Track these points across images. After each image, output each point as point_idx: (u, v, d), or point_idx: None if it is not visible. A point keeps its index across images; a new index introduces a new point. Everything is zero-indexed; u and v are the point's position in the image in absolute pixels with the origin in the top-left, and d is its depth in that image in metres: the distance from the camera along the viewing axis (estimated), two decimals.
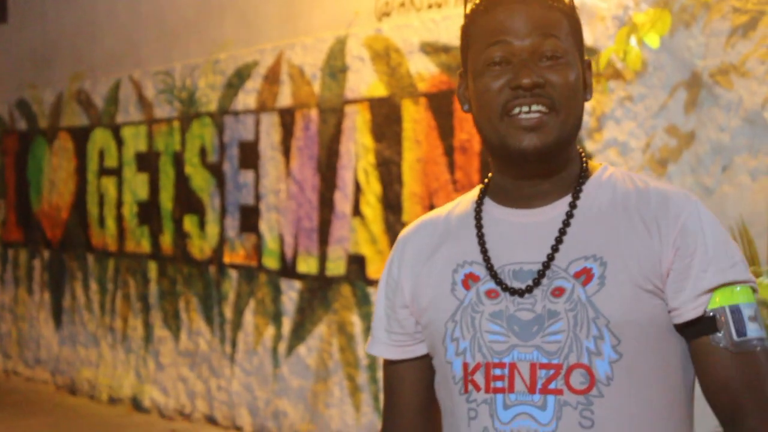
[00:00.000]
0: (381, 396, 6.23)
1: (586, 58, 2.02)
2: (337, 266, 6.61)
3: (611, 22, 4.97)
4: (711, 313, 1.86)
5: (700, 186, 4.61)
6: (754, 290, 1.91)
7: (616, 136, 4.97)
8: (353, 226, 6.49)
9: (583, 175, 1.99)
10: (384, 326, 2.13)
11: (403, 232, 2.15)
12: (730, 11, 4.52)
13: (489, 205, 2.04)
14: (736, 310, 1.86)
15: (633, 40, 4.28)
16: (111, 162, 8.78)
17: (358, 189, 6.46)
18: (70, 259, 9.28)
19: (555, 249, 1.92)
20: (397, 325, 2.10)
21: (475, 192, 2.10)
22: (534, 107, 1.89)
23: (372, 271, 6.34)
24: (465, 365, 1.94)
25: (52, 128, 9.53)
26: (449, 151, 5.88)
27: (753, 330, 1.86)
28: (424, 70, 6.03)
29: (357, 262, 6.46)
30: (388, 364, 2.14)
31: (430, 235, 2.08)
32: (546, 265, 1.91)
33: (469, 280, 1.98)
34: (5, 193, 10.23)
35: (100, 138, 8.90)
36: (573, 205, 1.95)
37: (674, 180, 4.72)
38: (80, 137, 9.16)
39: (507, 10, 1.93)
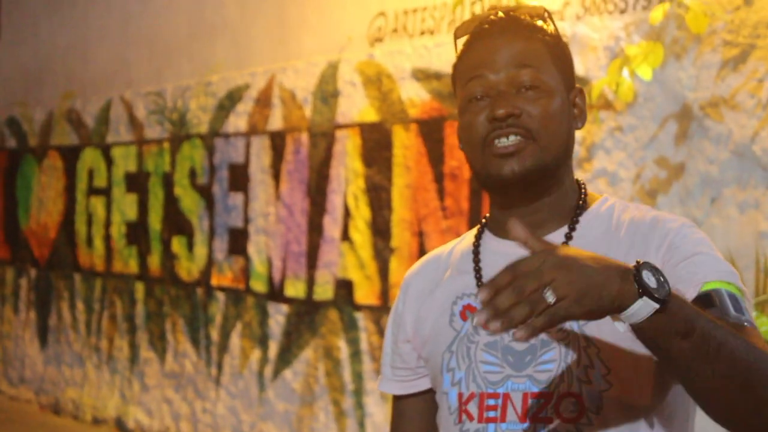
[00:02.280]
0: (366, 422, 6.23)
1: (577, 86, 2.03)
2: (324, 291, 6.61)
3: (603, 53, 4.99)
4: (706, 293, 1.81)
5: (689, 217, 4.61)
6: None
7: (605, 166, 4.99)
8: (342, 250, 6.48)
9: (581, 206, 2.01)
10: (389, 362, 2.18)
11: (409, 271, 2.21)
12: (721, 44, 4.54)
13: (488, 238, 2.07)
14: (731, 295, 1.80)
15: (625, 72, 4.29)
16: (100, 182, 8.77)
17: (347, 214, 6.46)
18: (57, 279, 9.26)
19: None
20: (399, 360, 2.14)
21: (477, 227, 2.13)
22: (511, 138, 1.91)
23: (360, 296, 6.34)
24: (460, 395, 1.97)
25: (42, 147, 9.52)
26: (439, 178, 5.89)
27: (749, 313, 1.81)
28: (415, 96, 6.04)
29: (345, 286, 6.46)
30: (395, 399, 2.19)
31: (434, 271, 2.13)
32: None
33: (467, 311, 2.00)
34: None
35: (90, 157, 8.90)
36: (569, 236, 1.97)
37: (663, 211, 4.72)
38: (70, 156, 9.15)
39: (486, 45, 1.98)
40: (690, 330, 1.61)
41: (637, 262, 1.61)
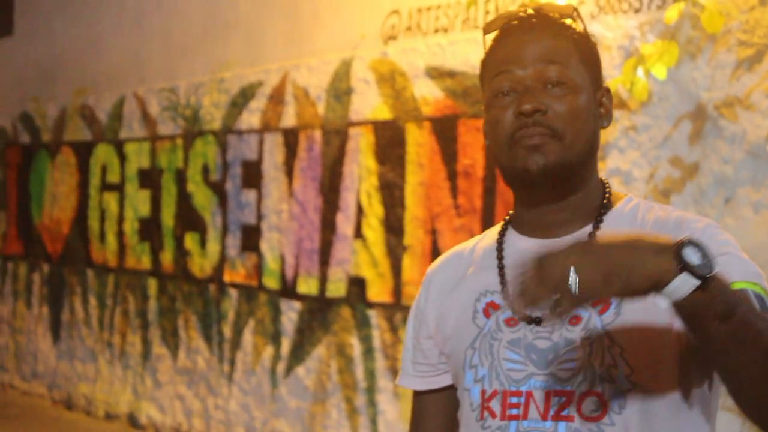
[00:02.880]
0: (378, 419, 6.23)
1: (604, 85, 2.04)
2: (337, 288, 6.61)
3: (617, 52, 4.98)
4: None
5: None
6: None
7: (619, 166, 4.98)
8: (354, 248, 6.49)
9: (605, 205, 2.01)
10: (410, 357, 2.18)
11: (431, 266, 2.21)
12: (736, 44, 4.53)
13: (512, 235, 2.07)
14: (758, 295, 1.79)
15: (640, 72, 4.29)
16: (113, 178, 8.78)
17: (360, 211, 6.46)
18: (70, 274, 9.28)
19: None
20: (421, 356, 2.15)
21: (500, 224, 2.13)
22: (537, 135, 1.92)
23: (372, 293, 6.34)
24: (482, 392, 1.97)
25: (55, 142, 9.54)
26: (452, 176, 5.88)
27: None
28: (428, 94, 6.04)
29: (357, 284, 6.46)
30: (415, 395, 2.19)
31: (456, 267, 2.13)
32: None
33: (490, 308, 2.01)
34: (6, 206, 10.24)
35: (103, 153, 8.91)
36: (592, 235, 1.96)
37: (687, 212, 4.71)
38: (83, 152, 9.16)
39: (514, 41, 1.97)
40: (730, 313, 1.59)
41: (683, 239, 1.59)
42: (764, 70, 4.44)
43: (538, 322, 1.92)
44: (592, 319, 1.89)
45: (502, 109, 1.95)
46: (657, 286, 1.57)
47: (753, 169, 4.47)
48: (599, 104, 2.01)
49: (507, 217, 2.11)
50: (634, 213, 2.00)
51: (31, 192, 9.89)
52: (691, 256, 1.57)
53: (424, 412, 2.16)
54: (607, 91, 2.04)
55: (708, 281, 1.57)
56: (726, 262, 1.82)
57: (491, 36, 2.06)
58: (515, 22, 2.00)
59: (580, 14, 2.05)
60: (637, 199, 2.04)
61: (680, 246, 1.58)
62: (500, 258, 2.04)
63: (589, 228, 1.98)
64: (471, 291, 2.05)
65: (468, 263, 2.11)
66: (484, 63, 2.05)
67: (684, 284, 1.56)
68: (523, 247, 2.02)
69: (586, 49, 2.00)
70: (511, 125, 1.93)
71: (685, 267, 1.56)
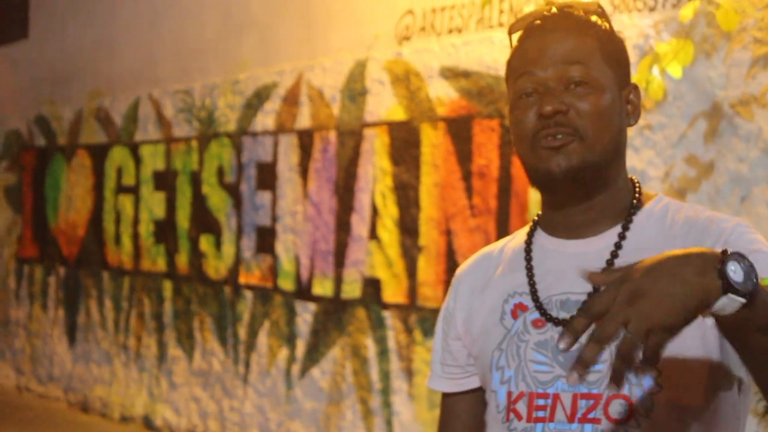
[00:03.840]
0: (393, 420, 6.22)
1: (632, 82, 2.01)
2: (352, 289, 6.60)
3: (632, 51, 4.96)
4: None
5: None
6: None
7: (634, 165, 4.96)
8: (369, 249, 6.48)
9: (635, 205, 1.98)
10: (439, 359, 2.17)
11: (461, 267, 2.19)
12: (751, 42, 4.51)
13: (540, 236, 2.05)
14: None
15: (655, 70, 4.27)
16: (128, 180, 8.80)
17: (375, 212, 6.45)
18: (86, 277, 9.29)
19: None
20: (449, 357, 2.13)
21: (529, 225, 2.12)
22: (558, 136, 1.90)
23: (387, 294, 6.33)
24: (509, 394, 1.95)
25: (71, 145, 9.56)
26: (467, 176, 5.87)
27: None
28: (443, 94, 6.03)
29: (372, 285, 6.45)
30: (444, 397, 2.17)
31: (485, 268, 2.11)
32: (591, 296, 1.89)
33: (518, 309, 1.99)
34: (22, 209, 10.26)
35: (118, 156, 8.92)
36: (622, 236, 1.94)
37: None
38: (98, 155, 9.18)
39: (536, 42, 1.96)
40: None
41: (723, 252, 1.53)
42: None
43: (565, 323, 1.90)
44: None
45: (525, 110, 1.94)
46: (706, 306, 1.51)
47: None
48: (626, 102, 1.98)
49: (535, 218, 2.10)
50: (663, 213, 1.97)
51: (47, 195, 9.91)
52: (734, 273, 1.51)
53: (452, 414, 2.15)
54: (635, 88, 2.01)
55: (753, 296, 1.52)
56: (756, 259, 1.79)
57: (516, 36, 2.05)
58: (538, 22, 1.99)
59: (605, 11, 2.02)
60: (668, 198, 2.01)
61: (723, 263, 1.51)
62: (528, 259, 2.02)
63: (618, 228, 1.96)
64: (499, 292, 2.04)
65: (497, 264, 2.10)
66: (509, 64, 2.04)
67: (731, 303, 1.51)
68: (550, 247, 2.01)
69: (610, 47, 1.97)
70: (533, 126, 1.92)
71: (729, 285, 1.50)
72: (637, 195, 2.00)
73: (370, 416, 6.44)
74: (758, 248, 1.82)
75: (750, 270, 1.52)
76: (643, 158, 4.93)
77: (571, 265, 1.95)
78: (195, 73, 8.09)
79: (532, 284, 1.98)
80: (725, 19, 4.12)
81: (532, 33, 1.98)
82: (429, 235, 6.08)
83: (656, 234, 1.93)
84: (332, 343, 6.74)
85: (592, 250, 1.95)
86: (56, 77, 9.82)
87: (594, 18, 1.99)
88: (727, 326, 1.58)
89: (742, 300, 1.50)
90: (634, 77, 4.38)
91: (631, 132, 4.93)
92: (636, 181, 2.03)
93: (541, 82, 1.93)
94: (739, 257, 1.53)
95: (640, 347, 1.48)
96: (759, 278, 1.54)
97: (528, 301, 1.98)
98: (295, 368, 7.02)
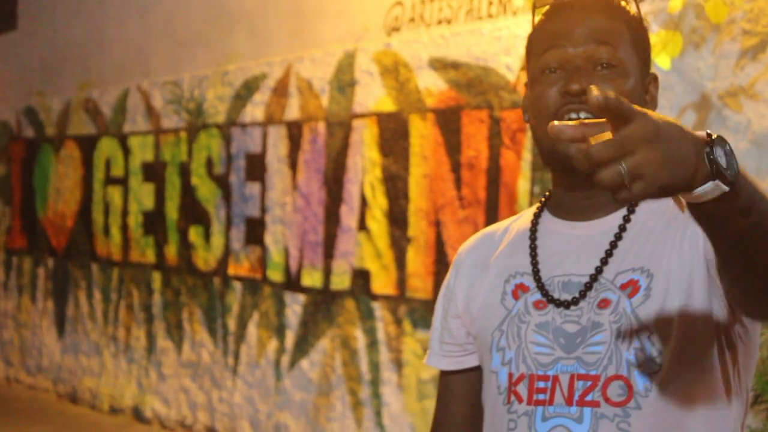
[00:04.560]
0: (383, 411, 6.22)
1: (652, 72, 2.00)
2: (341, 280, 6.60)
3: None
4: None
5: None
6: None
7: None
8: (359, 240, 6.48)
9: None
10: (438, 337, 2.15)
11: (463, 245, 2.18)
12: (740, 33, 4.52)
13: (546, 218, 2.05)
14: None
15: None
16: (117, 171, 8.78)
17: (364, 203, 6.45)
18: (75, 268, 9.28)
19: (604, 261, 1.90)
20: (448, 335, 2.12)
21: (536, 205, 2.11)
22: (582, 114, 1.87)
23: (376, 285, 6.34)
24: (510, 375, 1.95)
25: (59, 136, 9.54)
26: (456, 168, 5.88)
27: None
28: (432, 85, 6.03)
29: (362, 276, 6.45)
30: (442, 375, 2.17)
31: (488, 247, 2.11)
32: (594, 278, 1.89)
33: (519, 290, 1.98)
34: (11, 201, 10.24)
35: (107, 147, 8.91)
36: (627, 219, 1.93)
37: None
38: (87, 146, 9.16)
39: (566, 17, 1.94)
40: (751, 207, 1.50)
41: (710, 136, 1.46)
42: None
43: (566, 305, 1.90)
44: (621, 302, 1.86)
45: (548, 85, 1.92)
46: (689, 188, 1.44)
47: (757, 159, 4.46)
48: (645, 91, 1.97)
49: (543, 199, 2.09)
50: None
51: (36, 186, 9.89)
52: (721, 158, 1.44)
53: (450, 392, 2.14)
54: (655, 78, 1.99)
55: (735, 183, 1.46)
56: None
57: (541, 11, 2.02)
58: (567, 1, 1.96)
59: (639, 8, 2.00)
60: None
61: (713, 146, 1.44)
62: (533, 239, 2.02)
63: (622, 212, 1.95)
64: (501, 272, 2.03)
65: (499, 243, 2.09)
66: (532, 38, 2.01)
67: (714, 189, 1.44)
68: (555, 230, 2.01)
69: (638, 33, 1.95)
70: (555, 103, 1.90)
71: (717, 172, 1.43)
72: None
73: (360, 407, 6.45)
74: None
75: (731, 155, 1.47)
76: None
77: (574, 247, 1.96)
78: (184, 64, 8.08)
79: (534, 264, 1.98)
80: (714, 11, 4.13)
81: (562, 9, 1.95)
82: (418, 226, 6.08)
83: (658, 217, 1.93)
84: (321, 335, 6.74)
85: (596, 232, 1.95)
86: (45, 69, 9.79)
87: (624, 2, 1.97)
88: (704, 213, 1.51)
89: (726, 188, 1.45)
90: None
91: None
92: None
93: (569, 58, 1.90)
94: (722, 141, 1.47)
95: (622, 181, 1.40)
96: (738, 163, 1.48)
97: (530, 281, 1.97)
98: (285, 359, 7.02)
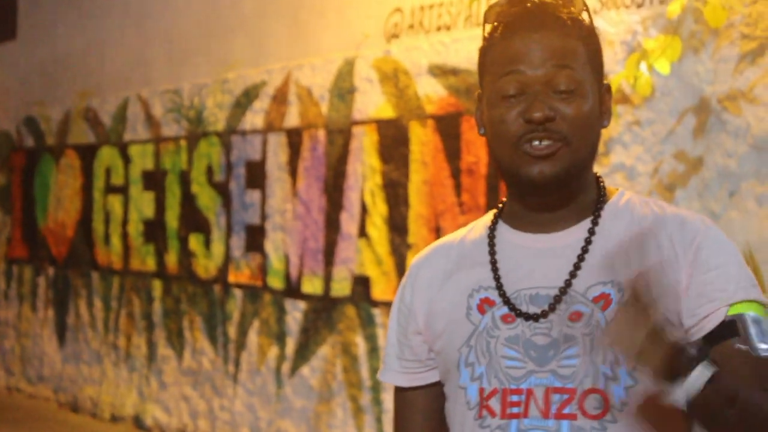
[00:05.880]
0: (384, 418, 6.22)
1: (605, 81, 2.00)
2: (342, 287, 6.61)
3: (620, 47, 4.98)
4: (731, 318, 1.83)
5: (707, 211, 4.61)
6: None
7: (623, 161, 4.98)
8: (359, 247, 6.49)
9: (601, 200, 1.99)
10: (396, 353, 2.13)
11: (417, 258, 2.15)
12: (739, 38, 4.53)
13: (503, 229, 2.03)
14: (757, 320, 1.83)
15: (643, 66, 4.29)
16: (117, 180, 8.79)
17: (364, 210, 6.46)
18: (75, 277, 9.28)
19: (573, 274, 1.91)
20: (409, 352, 2.10)
21: (488, 217, 2.09)
22: (545, 142, 1.88)
23: (377, 292, 6.34)
24: (481, 390, 1.94)
25: (59, 145, 9.55)
26: (456, 174, 5.88)
27: None
28: (432, 92, 6.04)
29: (362, 283, 6.46)
30: (400, 391, 2.15)
31: (444, 261, 2.08)
32: (563, 291, 1.90)
33: (485, 305, 1.97)
34: (11, 210, 10.24)
35: (107, 156, 8.92)
36: (592, 231, 1.95)
37: (681, 205, 4.71)
38: (87, 155, 9.17)
39: (522, 39, 1.92)
40: (734, 393, 1.67)
41: (686, 351, 1.68)
42: (767, 63, 4.44)
43: (535, 318, 1.90)
44: (595, 315, 1.87)
45: (508, 109, 1.91)
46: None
47: (757, 163, 4.46)
48: (601, 102, 1.97)
49: (496, 210, 2.08)
50: (630, 208, 1.98)
51: (36, 196, 9.90)
52: (694, 382, 1.67)
53: (410, 408, 2.13)
54: (608, 88, 2.00)
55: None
56: (727, 274, 1.86)
57: (493, 27, 2.00)
58: (523, 15, 1.95)
59: (588, 7, 2.00)
60: (629, 193, 2.03)
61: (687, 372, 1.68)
62: (492, 253, 2.00)
63: (585, 224, 1.96)
64: (463, 287, 2.01)
65: (457, 257, 2.06)
66: (487, 54, 1.99)
67: (700, 376, 1.65)
68: (515, 242, 2.00)
69: (593, 47, 1.96)
70: (518, 129, 1.90)
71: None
72: (602, 190, 2.00)
73: (361, 414, 6.45)
74: (728, 260, 1.88)
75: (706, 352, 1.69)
76: (632, 154, 4.95)
77: (539, 259, 1.96)
78: (184, 72, 8.09)
79: (497, 278, 1.97)
80: (713, 15, 4.14)
81: (516, 28, 1.93)
82: (418, 232, 6.09)
83: (624, 229, 1.95)
84: (322, 341, 6.74)
85: (560, 245, 1.95)
86: (45, 78, 9.81)
87: (577, 13, 1.97)
88: (698, 406, 1.69)
89: (709, 373, 1.68)
90: (622, 74, 4.40)
91: (619, 128, 4.96)
92: (599, 175, 2.03)
93: (529, 83, 1.90)
94: (706, 365, 1.68)
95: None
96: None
97: (495, 296, 1.96)
98: (285, 366, 7.03)
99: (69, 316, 9.35)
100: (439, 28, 6.05)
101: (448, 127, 5.94)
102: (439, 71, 6.00)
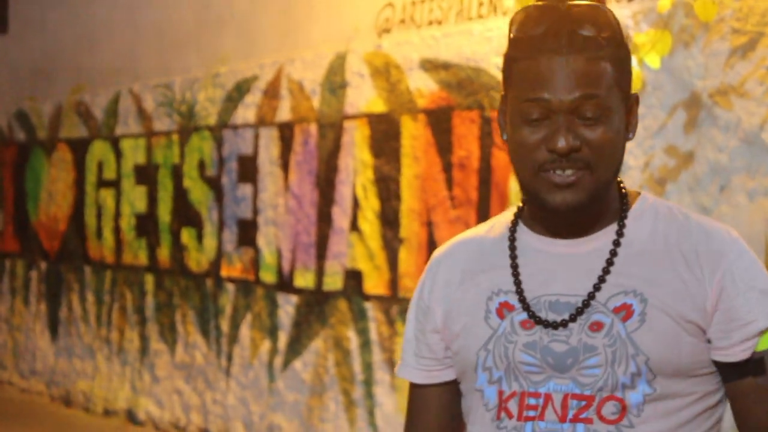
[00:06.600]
0: (376, 411, 6.23)
1: (633, 93, 1.94)
2: (334, 281, 6.61)
3: None
4: (759, 355, 1.87)
5: (698, 206, 4.62)
6: None
7: None
8: (351, 241, 6.49)
9: (624, 205, 1.97)
10: (413, 350, 2.11)
11: (437, 254, 2.12)
12: (730, 32, 4.54)
13: (524, 232, 2.02)
14: None
15: (634, 61, 4.28)
16: (109, 174, 8.78)
17: (356, 204, 6.46)
18: (67, 271, 9.28)
19: (597, 287, 1.90)
20: (426, 350, 2.09)
21: (508, 216, 2.07)
22: (568, 171, 1.85)
23: (369, 286, 6.35)
24: (500, 393, 1.94)
25: (51, 140, 9.54)
26: (447, 168, 5.89)
27: None
28: (423, 86, 6.04)
29: (354, 277, 6.46)
30: (415, 387, 2.13)
31: (464, 259, 2.06)
32: (587, 303, 1.89)
33: (504, 309, 1.96)
34: (3, 204, 10.23)
35: (99, 150, 8.91)
36: (617, 243, 1.93)
37: (672, 199, 4.72)
38: (79, 149, 9.16)
39: (548, 61, 1.84)
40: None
41: None
42: (758, 57, 4.45)
43: (555, 326, 1.89)
44: (615, 326, 1.87)
45: (531, 133, 1.87)
46: None
47: (748, 157, 4.48)
48: (629, 112, 1.93)
49: (516, 211, 2.05)
50: (653, 214, 1.96)
51: (28, 190, 9.89)
52: None
53: (425, 405, 2.11)
54: (636, 100, 1.95)
55: None
56: (756, 300, 1.89)
57: (519, 37, 1.91)
58: (551, 29, 1.86)
59: (618, 20, 1.92)
60: (652, 197, 2.01)
61: None
62: (513, 257, 1.99)
63: (609, 230, 1.95)
64: (482, 289, 2.00)
65: (477, 256, 2.05)
66: (510, 68, 1.92)
67: None
68: (536, 246, 1.98)
69: (621, 63, 1.89)
70: (541, 156, 1.86)
71: None
72: (624, 196, 1.98)
73: (353, 407, 6.46)
74: (756, 285, 1.90)
75: None
76: None
77: (561, 266, 1.94)
78: (175, 67, 8.08)
79: (518, 284, 1.95)
80: (703, 10, 4.14)
81: (544, 48, 1.85)
82: (410, 226, 6.09)
83: (648, 236, 1.94)
84: (314, 335, 6.75)
85: (584, 251, 1.94)
86: (36, 72, 9.79)
87: (607, 27, 1.88)
88: None
89: None
90: None
91: None
92: (620, 180, 2.00)
93: (555, 109, 1.84)
94: None
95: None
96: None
97: (514, 300, 1.95)
98: (278, 360, 7.03)
99: (61, 310, 9.34)
100: (430, 23, 6.05)
101: (439, 121, 5.95)
102: (431, 66, 6.00)
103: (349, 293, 6.50)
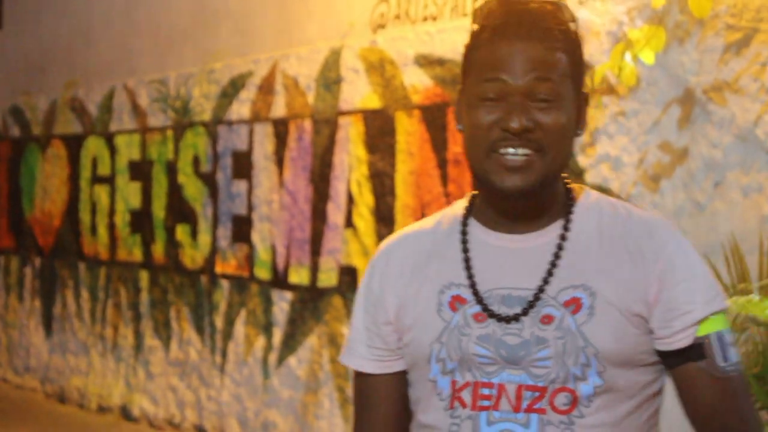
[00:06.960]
0: None
1: (583, 91, 2.01)
2: (328, 277, 6.61)
3: (605, 38, 4.98)
4: (699, 341, 1.93)
5: (692, 202, 4.62)
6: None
7: (608, 152, 4.98)
8: (345, 237, 6.49)
9: (570, 202, 2.02)
10: (364, 340, 2.12)
11: (386, 244, 2.15)
12: (724, 28, 4.53)
13: (475, 226, 2.05)
14: (720, 337, 1.94)
15: (628, 57, 4.28)
16: (104, 170, 8.77)
17: (350, 200, 6.46)
18: (62, 267, 9.27)
19: (546, 281, 1.95)
20: (379, 341, 2.10)
21: (458, 209, 2.10)
22: (521, 150, 1.90)
23: None
24: (453, 383, 1.97)
25: (46, 135, 9.52)
26: (442, 164, 5.88)
27: (733, 355, 1.94)
28: (418, 82, 6.04)
29: (349, 273, 6.46)
30: (363, 376, 2.13)
31: (415, 251, 2.08)
32: (537, 296, 1.93)
33: (456, 302, 1.99)
34: None
35: (94, 146, 8.90)
36: (563, 237, 1.98)
37: (666, 196, 4.72)
38: (73, 145, 9.15)
39: (507, 46, 1.92)
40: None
41: None
42: (752, 53, 4.44)
43: (507, 320, 1.93)
44: (565, 319, 1.92)
45: (485, 113, 1.92)
46: None
47: (742, 153, 4.47)
48: (578, 110, 1.98)
49: (467, 205, 2.08)
50: (598, 209, 2.01)
51: (22, 185, 9.88)
52: None
53: (376, 393, 2.12)
54: (586, 98, 2.01)
55: None
56: (694, 289, 1.94)
57: (480, 26, 1.99)
58: (511, 22, 1.93)
59: (576, 18, 2.00)
60: (594, 192, 2.06)
61: None
62: (465, 251, 2.02)
63: (557, 224, 1.99)
64: (434, 282, 2.02)
65: (427, 249, 2.07)
66: (470, 56, 1.99)
67: None
68: (487, 241, 2.02)
69: (576, 57, 1.97)
70: (494, 135, 1.91)
71: None
72: (570, 189, 2.03)
73: (348, 404, 6.46)
74: (694, 273, 1.96)
75: None
76: (617, 145, 4.95)
77: (511, 260, 1.98)
78: (170, 62, 8.07)
79: (470, 277, 1.98)
80: (697, 6, 4.13)
81: (504, 35, 1.93)
82: (405, 222, 6.09)
83: (594, 230, 1.99)
84: (309, 332, 6.74)
85: (532, 246, 1.98)
86: (31, 68, 9.78)
87: (565, 23, 1.96)
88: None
89: None
90: (607, 64, 4.40)
91: (604, 119, 4.96)
92: (564, 174, 2.04)
93: (509, 91, 1.91)
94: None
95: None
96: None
97: (467, 294, 1.98)
98: (272, 357, 7.03)
99: (56, 307, 9.33)
100: (425, 19, 6.05)
101: (434, 117, 5.94)
102: (425, 61, 6.00)
103: (343, 289, 6.49)
